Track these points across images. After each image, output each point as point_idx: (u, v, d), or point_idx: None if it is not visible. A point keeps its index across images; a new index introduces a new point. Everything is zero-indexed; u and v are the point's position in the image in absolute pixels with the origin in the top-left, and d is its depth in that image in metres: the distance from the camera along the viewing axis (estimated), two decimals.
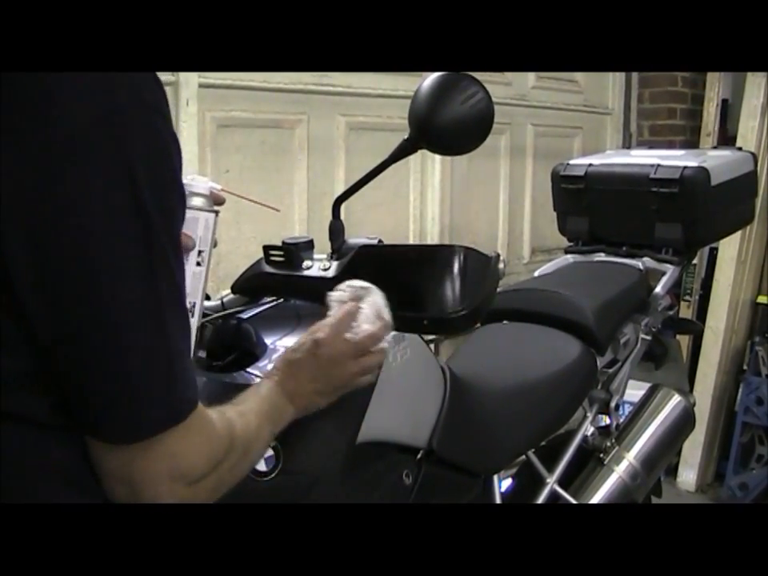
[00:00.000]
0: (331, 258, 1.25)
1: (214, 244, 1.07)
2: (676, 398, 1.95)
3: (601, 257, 2.12)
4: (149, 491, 0.77)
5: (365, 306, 1.05)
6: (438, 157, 2.77)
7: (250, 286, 1.31)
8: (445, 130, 1.18)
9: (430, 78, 1.19)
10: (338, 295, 1.08)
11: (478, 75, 1.19)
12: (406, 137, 1.22)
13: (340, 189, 2.57)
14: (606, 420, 1.92)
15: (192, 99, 2.18)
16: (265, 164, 2.44)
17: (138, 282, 0.72)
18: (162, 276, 0.74)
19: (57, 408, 0.75)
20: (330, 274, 1.22)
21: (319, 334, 1.04)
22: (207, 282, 1.05)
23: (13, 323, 0.72)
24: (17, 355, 0.73)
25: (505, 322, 1.83)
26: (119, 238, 0.70)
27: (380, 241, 1.27)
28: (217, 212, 1.06)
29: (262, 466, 1.06)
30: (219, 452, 0.83)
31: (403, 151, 1.24)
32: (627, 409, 2.10)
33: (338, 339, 1.03)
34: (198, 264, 1.03)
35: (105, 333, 0.72)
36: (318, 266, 1.24)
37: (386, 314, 1.06)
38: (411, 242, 2.91)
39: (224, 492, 0.86)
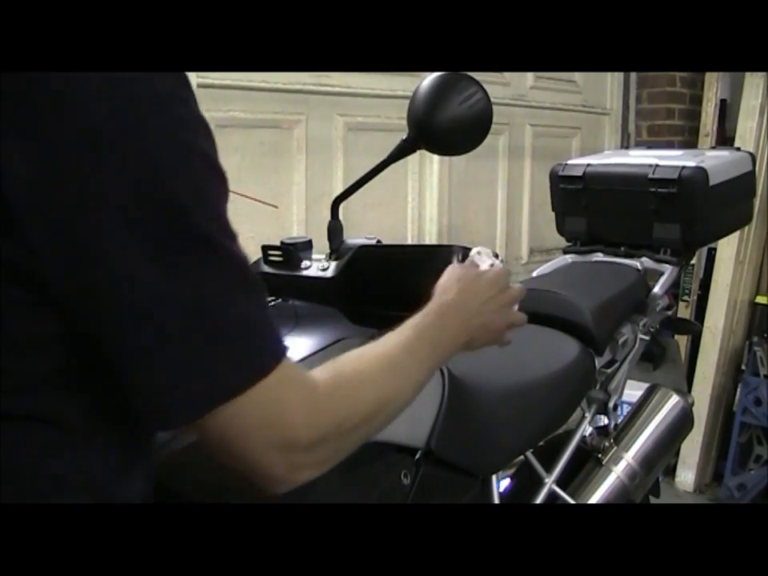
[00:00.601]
0: (330, 258, 1.25)
1: None
2: (674, 399, 1.95)
3: (599, 257, 2.12)
4: (260, 462, 0.76)
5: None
6: (436, 157, 2.77)
7: None
8: (443, 131, 1.18)
9: (429, 79, 1.19)
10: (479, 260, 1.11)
11: (476, 75, 1.19)
12: (404, 137, 1.22)
13: (338, 189, 2.57)
14: (604, 420, 1.92)
15: None
16: (263, 164, 2.44)
17: (176, 267, 0.70)
18: (207, 255, 0.72)
19: (84, 411, 0.74)
20: (329, 274, 1.22)
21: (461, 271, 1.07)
22: None
23: (44, 322, 0.71)
24: (47, 355, 0.72)
25: None
26: (150, 227, 0.69)
27: (378, 241, 1.27)
28: None
29: None
30: (327, 415, 0.80)
31: (402, 151, 1.24)
32: (625, 409, 2.10)
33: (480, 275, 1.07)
34: None
35: (153, 323, 0.70)
36: (317, 266, 1.24)
37: None
38: (409, 242, 2.91)
39: (349, 450, 0.85)
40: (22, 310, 0.71)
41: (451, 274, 1.06)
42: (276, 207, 1.29)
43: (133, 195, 0.68)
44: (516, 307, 1.12)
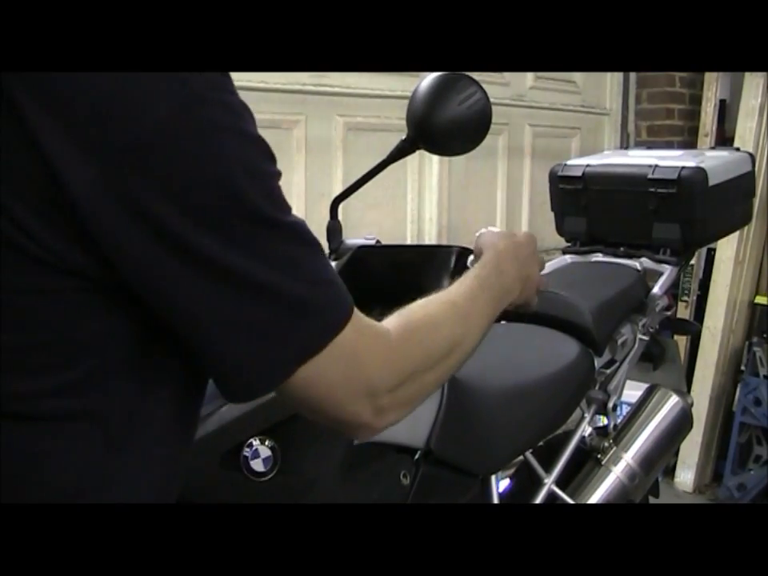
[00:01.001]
0: (329, 258, 1.25)
1: None
2: (674, 399, 1.95)
3: (598, 257, 2.12)
4: (351, 411, 0.80)
5: None
6: (435, 157, 2.77)
7: None
8: (443, 131, 1.18)
9: (428, 79, 1.19)
10: None
11: (475, 75, 1.19)
12: (404, 137, 1.22)
13: (338, 189, 2.57)
14: (603, 420, 1.92)
15: None
16: None
17: (242, 245, 0.72)
18: (269, 230, 0.74)
19: (129, 412, 0.76)
20: None
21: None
22: None
23: (106, 322, 0.73)
24: (95, 356, 0.73)
25: (502, 322, 1.83)
26: (217, 213, 0.71)
27: (378, 241, 1.27)
28: None
29: (260, 467, 1.06)
30: (404, 360, 0.84)
31: (401, 152, 1.24)
32: (625, 409, 2.10)
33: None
34: None
35: (227, 300, 0.72)
36: None
37: None
38: (409, 242, 2.92)
39: (429, 393, 0.90)
40: (82, 312, 0.72)
41: (489, 234, 1.13)
42: None
43: (196, 186, 0.70)
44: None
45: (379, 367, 0.81)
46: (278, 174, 0.78)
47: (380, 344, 0.82)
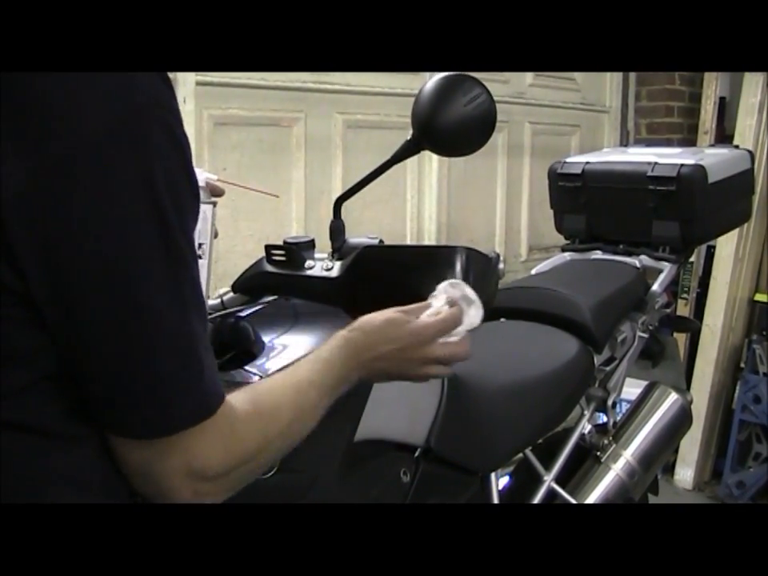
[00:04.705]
0: (332, 257, 1.26)
1: (215, 235, 1.07)
2: (673, 396, 1.95)
3: (598, 255, 2.12)
4: (167, 486, 0.77)
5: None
6: (435, 155, 2.77)
7: (251, 285, 1.32)
8: (447, 131, 1.18)
9: (433, 80, 1.19)
10: (447, 294, 1.04)
11: (475, 74, 1.19)
12: (408, 137, 1.23)
13: (338, 187, 2.58)
14: (603, 418, 1.92)
15: (189, 97, 2.18)
16: (262, 162, 2.44)
17: (160, 284, 0.72)
18: (183, 276, 0.74)
19: (66, 416, 0.75)
20: (333, 274, 1.22)
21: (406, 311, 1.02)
22: (211, 275, 1.05)
23: (30, 336, 0.72)
24: (33, 365, 0.73)
25: (502, 319, 1.83)
26: (140, 241, 0.70)
27: (381, 240, 1.27)
28: (214, 203, 1.06)
29: None
30: (242, 446, 0.82)
31: (406, 152, 1.24)
32: (624, 407, 2.10)
33: (425, 320, 1.01)
34: (199, 257, 1.02)
35: (131, 336, 0.72)
36: (321, 265, 1.24)
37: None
38: (408, 240, 2.91)
39: (250, 480, 0.86)
40: (12, 324, 0.71)
41: (383, 312, 1.02)
42: (277, 197, 1.28)
43: (118, 205, 0.69)
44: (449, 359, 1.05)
45: (216, 453, 0.79)
46: (197, 215, 0.77)
47: (225, 431, 0.80)
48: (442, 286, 1.05)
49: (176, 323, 0.74)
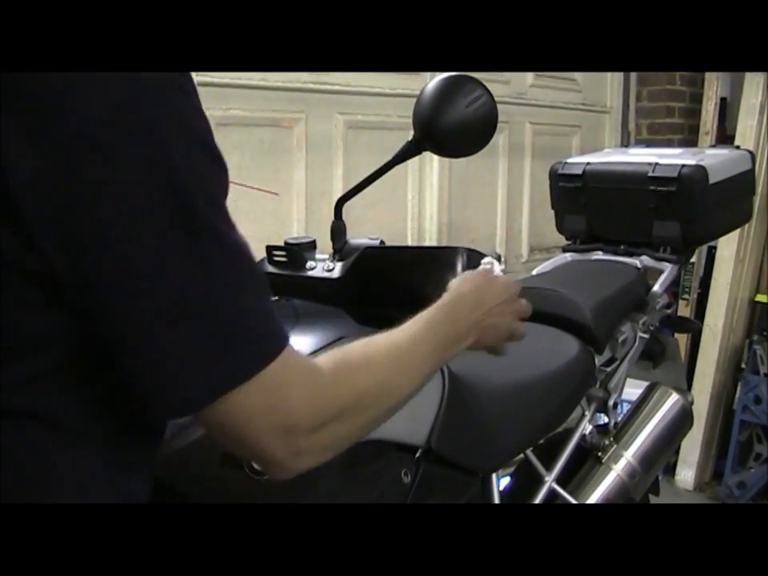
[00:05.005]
0: (334, 258, 1.26)
1: None
2: (674, 397, 1.95)
3: (599, 255, 2.12)
4: (264, 448, 0.77)
5: None
6: (436, 156, 2.77)
7: None
8: (449, 133, 1.18)
9: (435, 81, 1.20)
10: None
11: (475, 74, 1.19)
12: (409, 138, 1.23)
13: (338, 187, 2.58)
14: (604, 418, 1.92)
15: None
16: (263, 163, 2.45)
17: (182, 256, 0.71)
18: (213, 244, 0.72)
19: (75, 410, 0.75)
20: (335, 274, 1.22)
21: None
22: None
23: (45, 320, 0.72)
24: (47, 353, 0.73)
25: None
26: (159, 219, 0.69)
27: (382, 241, 1.27)
28: None
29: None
30: (329, 399, 0.81)
31: (407, 153, 1.24)
32: (625, 407, 2.10)
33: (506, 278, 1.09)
34: None
35: (160, 315, 0.71)
36: (322, 266, 1.24)
37: None
38: (409, 240, 2.92)
39: (351, 439, 0.86)
40: (25, 308, 0.71)
41: (466, 274, 1.07)
42: (277, 194, 1.28)
43: (138, 186, 0.68)
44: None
45: (303, 405, 0.78)
46: (226, 184, 0.76)
47: (308, 381, 0.79)
48: (488, 259, 1.12)
49: (205, 294, 0.72)
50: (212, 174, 0.75)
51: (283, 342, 0.77)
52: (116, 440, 0.79)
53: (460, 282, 1.05)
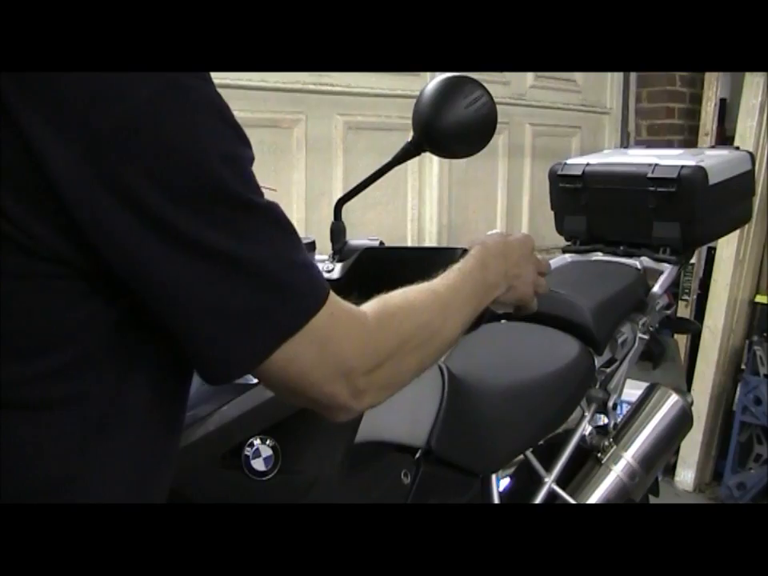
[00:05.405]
0: (333, 259, 1.26)
1: None
2: (674, 398, 1.95)
3: (598, 256, 2.13)
4: (327, 394, 0.81)
5: None
6: (436, 157, 2.77)
7: None
8: (448, 134, 1.19)
9: (434, 81, 1.20)
10: None
11: (475, 74, 1.19)
12: (409, 139, 1.23)
13: (338, 188, 2.58)
14: (603, 419, 1.92)
15: None
16: (263, 163, 2.44)
17: (221, 228, 0.73)
18: (247, 212, 0.75)
19: (103, 400, 0.76)
20: (335, 275, 1.22)
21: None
22: None
23: (79, 306, 0.73)
24: (75, 341, 0.74)
25: (503, 321, 1.83)
26: (192, 197, 0.72)
27: (381, 242, 1.28)
28: None
29: (260, 466, 1.06)
30: (379, 342, 0.85)
31: (407, 154, 1.24)
32: (625, 408, 2.10)
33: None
34: None
35: (205, 280, 0.73)
36: (321, 267, 1.24)
37: None
38: (409, 241, 2.92)
39: (405, 379, 0.90)
40: (64, 298, 0.73)
41: (481, 236, 1.12)
42: (275, 190, 1.28)
43: (174, 166, 0.71)
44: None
45: (355, 349, 0.82)
46: (252, 159, 0.80)
47: (355, 326, 0.83)
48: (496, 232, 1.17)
49: (252, 259, 0.75)
50: (240, 150, 0.78)
51: (326, 292, 0.80)
52: (137, 431, 0.80)
53: (481, 240, 1.09)
